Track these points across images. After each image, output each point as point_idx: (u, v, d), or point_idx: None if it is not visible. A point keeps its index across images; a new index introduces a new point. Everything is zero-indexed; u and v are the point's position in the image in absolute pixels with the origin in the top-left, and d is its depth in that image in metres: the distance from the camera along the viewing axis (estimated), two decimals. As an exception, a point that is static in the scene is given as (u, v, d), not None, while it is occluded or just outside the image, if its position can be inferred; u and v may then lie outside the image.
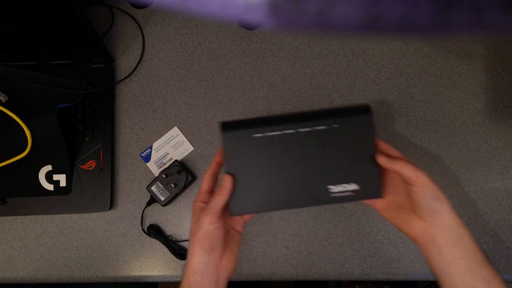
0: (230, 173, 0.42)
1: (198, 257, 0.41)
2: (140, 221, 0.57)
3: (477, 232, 0.56)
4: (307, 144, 0.42)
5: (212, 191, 0.45)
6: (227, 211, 0.43)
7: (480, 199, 0.57)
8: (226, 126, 0.43)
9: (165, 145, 0.59)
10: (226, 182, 0.42)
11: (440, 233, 0.39)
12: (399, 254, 0.56)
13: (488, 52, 0.61)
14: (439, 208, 0.40)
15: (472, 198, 0.57)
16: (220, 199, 0.41)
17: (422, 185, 0.39)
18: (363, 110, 0.42)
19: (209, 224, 0.41)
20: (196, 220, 0.42)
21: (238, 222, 0.46)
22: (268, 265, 0.56)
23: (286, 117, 0.43)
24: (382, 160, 0.41)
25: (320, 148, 0.42)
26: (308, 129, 0.42)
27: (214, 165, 0.45)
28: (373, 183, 0.42)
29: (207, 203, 0.43)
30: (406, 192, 0.42)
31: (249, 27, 0.62)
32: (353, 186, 0.42)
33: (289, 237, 0.56)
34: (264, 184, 0.42)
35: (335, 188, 0.42)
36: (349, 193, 0.42)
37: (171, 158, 0.58)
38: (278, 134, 0.42)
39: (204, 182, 0.45)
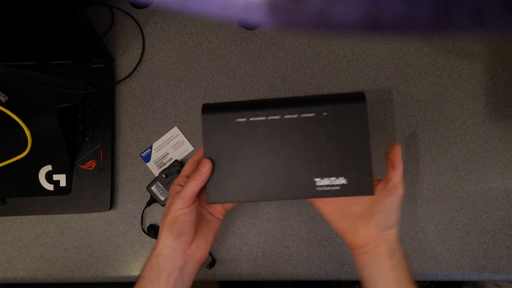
0: (209, 158, 0.40)
1: (165, 240, 0.41)
2: (140, 221, 0.57)
3: (477, 232, 0.56)
4: (294, 132, 0.39)
5: None
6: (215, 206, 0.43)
7: (480, 199, 0.57)
8: (208, 108, 0.40)
9: (165, 145, 0.59)
10: (204, 166, 0.40)
11: (382, 245, 0.40)
12: (399, 254, 0.56)
13: (488, 52, 0.61)
14: (395, 222, 0.41)
15: (472, 198, 0.57)
16: (193, 184, 0.39)
17: (399, 195, 0.40)
18: (357, 97, 0.39)
19: (179, 209, 0.40)
20: (169, 204, 0.41)
21: (218, 209, 0.45)
22: (268, 265, 0.56)
23: (272, 102, 0.41)
24: (396, 156, 0.40)
25: (307, 137, 0.39)
26: (295, 115, 0.39)
27: (201, 151, 0.43)
28: (364, 178, 0.39)
29: (183, 186, 0.41)
30: (366, 200, 0.41)
31: (249, 27, 0.62)
32: (341, 180, 0.39)
33: (289, 237, 0.56)
34: (246, 172, 0.40)
35: (321, 181, 0.39)
36: (335, 188, 0.39)
37: (171, 158, 0.58)
38: (262, 120, 0.39)
39: (186, 166, 0.44)
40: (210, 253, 0.56)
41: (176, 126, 0.59)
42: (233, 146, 0.40)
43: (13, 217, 0.57)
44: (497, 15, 0.10)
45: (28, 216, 0.57)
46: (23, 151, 0.54)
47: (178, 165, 0.56)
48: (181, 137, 0.59)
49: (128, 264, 0.56)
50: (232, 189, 0.40)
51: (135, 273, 0.56)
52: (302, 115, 0.39)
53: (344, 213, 0.43)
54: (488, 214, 0.57)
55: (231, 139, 0.40)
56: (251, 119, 0.39)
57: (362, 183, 0.39)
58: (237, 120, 0.39)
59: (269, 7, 0.11)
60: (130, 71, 0.60)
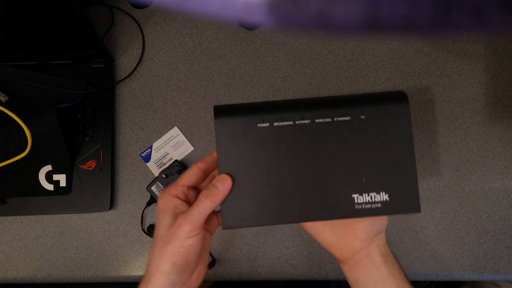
0: (228, 174, 0.33)
1: (166, 275, 0.32)
2: (140, 221, 0.57)
3: (477, 232, 0.56)
4: (327, 139, 0.33)
5: (195, 188, 0.36)
6: (209, 220, 0.35)
7: (480, 199, 0.57)
8: (221, 111, 0.34)
9: (165, 145, 0.59)
10: (223, 184, 0.33)
11: (374, 250, 0.37)
12: (399, 254, 0.56)
13: (488, 52, 0.61)
14: (383, 227, 0.37)
15: (472, 198, 0.57)
16: (207, 205, 0.32)
17: None
18: (398, 97, 0.34)
19: (188, 237, 0.32)
20: (169, 225, 0.33)
21: (213, 223, 0.37)
22: (268, 265, 0.56)
23: (299, 103, 0.34)
24: None
25: (342, 145, 0.33)
26: (328, 119, 0.33)
27: (210, 159, 0.36)
28: (409, 193, 0.33)
29: (183, 200, 0.34)
30: None
31: (249, 27, 0.62)
32: (382, 196, 0.33)
33: (289, 237, 0.56)
34: (269, 188, 0.33)
35: (360, 198, 0.33)
36: (376, 205, 0.33)
37: (171, 158, 0.58)
38: (289, 125, 0.33)
39: (188, 174, 0.35)
40: (210, 253, 0.56)
41: (176, 126, 0.59)
42: (254, 156, 0.33)
43: (13, 217, 0.57)
44: (497, 15, 0.10)
45: (28, 216, 0.57)
46: (23, 151, 0.54)
47: (178, 165, 0.56)
48: (181, 137, 0.59)
49: (128, 264, 0.56)
50: (254, 210, 0.33)
51: (135, 273, 0.56)
52: (337, 119, 0.33)
53: (327, 223, 0.38)
54: (488, 214, 0.57)
55: (252, 149, 0.33)
56: (276, 124, 0.33)
57: (407, 199, 0.33)
58: (259, 125, 0.33)
59: (269, 7, 0.11)
60: (130, 71, 0.60)
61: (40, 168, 0.55)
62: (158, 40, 0.62)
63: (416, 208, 0.33)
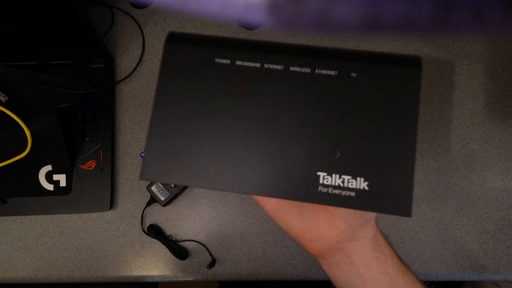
0: (161, 107, 0.27)
1: None
2: (140, 221, 0.57)
3: (477, 232, 0.56)
4: (300, 93, 0.26)
5: None
6: None
7: (480, 199, 0.57)
8: (176, 38, 0.27)
9: (165, 145, 0.59)
10: None
11: (360, 247, 0.30)
12: (399, 254, 0.56)
13: (488, 52, 0.61)
14: (371, 215, 0.29)
15: (472, 198, 0.57)
16: None
17: None
18: (407, 61, 0.26)
19: None
20: None
21: None
22: (268, 265, 0.56)
23: (276, 45, 0.27)
24: None
25: (319, 106, 0.26)
26: (306, 69, 0.26)
27: None
28: (399, 188, 0.24)
29: None
30: None
31: (249, 27, 0.62)
32: (359, 183, 0.25)
33: (289, 237, 0.56)
34: (213, 141, 0.26)
35: (327, 179, 0.25)
36: (348, 193, 0.25)
37: (171, 158, 0.58)
38: (255, 67, 0.26)
39: None
40: (210, 253, 0.56)
41: (176, 126, 0.59)
42: (202, 97, 0.27)
43: (13, 217, 0.57)
44: (497, 15, 0.10)
45: (28, 216, 0.57)
46: (23, 151, 0.54)
47: (178, 165, 0.56)
48: (181, 137, 0.59)
49: (128, 264, 0.56)
50: (188, 163, 0.26)
51: (135, 273, 0.56)
52: (318, 71, 0.26)
53: (293, 204, 0.30)
54: (488, 214, 0.57)
55: (201, 88, 0.27)
56: (238, 63, 0.27)
57: (394, 195, 0.24)
58: (217, 60, 0.27)
59: (269, 7, 0.11)
60: (130, 71, 0.60)
61: (40, 168, 0.55)
62: (158, 40, 0.62)
63: (406, 211, 0.24)
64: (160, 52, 0.61)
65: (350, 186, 0.25)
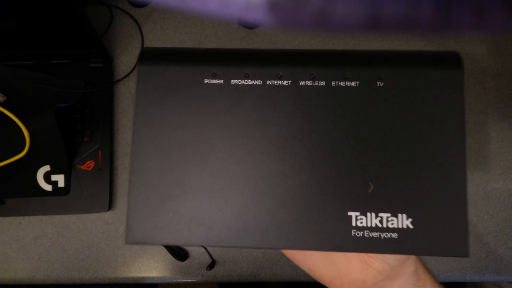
0: (142, 149, 0.21)
1: None
2: (139, 222, 0.56)
3: (478, 233, 0.56)
4: (315, 114, 0.21)
5: None
6: None
7: (482, 199, 0.57)
8: (151, 55, 0.22)
9: (164, 145, 0.58)
10: None
11: (398, 286, 0.25)
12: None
13: (490, 51, 0.61)
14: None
15: (474, 199, 0.57)
16: None
17: None
18: (445, 60, 0.21)
19: None
20: None
21: None
22: (268, 266, 0.55)
23: (277, 54, 0.22)
24: None
25: (340, 127, 0.21)
26: (320, 82, 0.21)
27: None
28: (450, 222, 0.20)
29: None
30: None
31: (249, 26, 0.62)
32: (401, 222, 0.20)
33: (289, 238, 0.56)
34: (211, 187, 0.21)
35: (362, 220, 0.20)
36: (389, 235, 0.20)
37: (171, 159, 0.58)
38: (255, 86, 0.21)
39: None
40: (209, 254, 0.55)
41: (175, 126, 0.59)
42: (193, 130, 0.21)
43: (11, 217, 0.57)
44: (499, 14, 0.10)
45: (26, 217, 0.57)
46: (21, 151, 0.54)
47: (178, 165, 0.56)
48: (181, 137, 0.58)
49: (127, 265, 0.56)
50: (181, 219, 0.21)
51: (134, 274, 0.56)
52: (335, 83, 0.21)
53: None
54: (490, 215, 0.56)
55: (190, 118, 0.21)
56: (234, 82, 0.21)
57: (445, 233, 0.20)
58: (206, 81, 0.21)
59: (269, 5, 0.11)
60: (129, 71, 0.60)
61: (39, 169, 0.55)
62: (157, 39, 0.61)
63: (462, 250, 0.20)
64: (159, 51, 0.61)
65: (390, 226, 0.20)
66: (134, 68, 0.60)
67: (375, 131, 0.20)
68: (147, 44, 0.61)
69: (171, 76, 0.21)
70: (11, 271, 0.56)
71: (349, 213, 0.20)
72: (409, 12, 0.10)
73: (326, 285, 0.27)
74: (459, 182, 0.20)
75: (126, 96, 0.60)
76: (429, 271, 0.27)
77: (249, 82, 0.21)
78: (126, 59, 0.61)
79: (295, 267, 0.55)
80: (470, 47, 0.61)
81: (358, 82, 0.21)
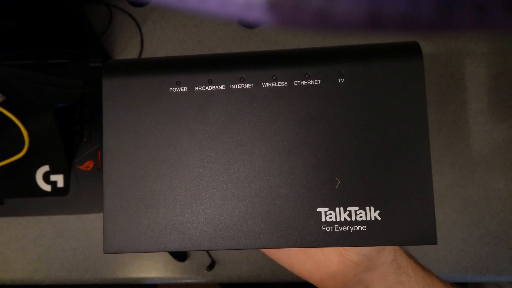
0: (112, 158, 0.22)
1: None
2: (138, 222, 0.56)
3: (480, 233, 0.56)
4: (279, 114, 0.21)
5: None
6: None
7: (483, 200, 0.56)
8: (115, 68, 0.22)
9: (164, 145, 0.58)
10: None
11: (378, 275, 0.26)
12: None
13: (491, 51, 0.60)
14: None
15: (474, 199, 0.56)
16: None
17: None
18: (403, 50, 0.22)
19: None
20: None
21: None
22: (268, 267, 0.55)
23: (238, 57, 0.22)
24: None
25: (305, 125, 0.21)
26: (283, 83, 0.21)
27: None
28: (418, 211, 0.20)
29: None
30: None
31: (249, 26, 0.61)
32: (369, 214, 0.20)
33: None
34: (181, 193, 0.21)
35: (332, 215, 0.21)
36: (357, 228, 0.21)
37: (170, 159, 0.57)
38: (219, 91, 0.21)
39: None
40: (209, 255, 0.55)
41: (175, 126, 0.59)
42: (161, 137, 0.22)
43: (10, 218, 0.57)
44: (500, 14, 0.10)
45: (26, 217, 0.57)
46: (20, 151, 0.53)
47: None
48: (180, 137, 0.58)
49: (126, 265, 0.56)
50: (154, 226, 0.21)
51: (133, 274, 0.55)
52: (297, 83, 0.21)
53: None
54: (491, 215, 0.56)
55: (156, 128, 0.22)
56: (198, 88, 0.22)
57: (413, 222, 0.20)
58: (171, 90, 0.22)
59: (269, 5, 0.11)
60: (129, 70, 0.60)
61: (38, 169, 0.55)
62: (156, 38, 0.61)
63: (430, 238, 0.20)
64: (159, 51, 0.61)
65: (359, 219, 0.20)
66: (133, 67, 0.60)
67: (338, 128, 0.21)
68: (147, 43, 0.61)
69: (137, 87, 0.22)
70: (10, 271, 0.56)
71: (318, 209, 0.21)
72: (409, 11, 0.10)
73: (307, 280, 0.27)
74: (424, 171, 0.20)
75: (125, 96, 0.59)
76: (410, 256, 0.28)
77: (213, 87, 0.22)
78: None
79: (295, 268, 0.55)
80: (470, 46, 0.60)
81: (319, 80, 0.21)
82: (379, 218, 0.20)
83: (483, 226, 0.56)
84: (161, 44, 0.61)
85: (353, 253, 0.25)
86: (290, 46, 0.61)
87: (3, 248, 0.56)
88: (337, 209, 0.21)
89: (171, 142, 0.22)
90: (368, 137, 0.21)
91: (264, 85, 0.21)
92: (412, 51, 0.22)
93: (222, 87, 0.21)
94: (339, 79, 0.21)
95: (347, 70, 0.21)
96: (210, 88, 0.22)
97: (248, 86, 0.21)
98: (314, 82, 0.21)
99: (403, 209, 0.20)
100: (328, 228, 0.21)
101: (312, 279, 0.27)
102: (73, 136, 0.57)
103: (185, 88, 0.22)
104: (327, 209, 0.21)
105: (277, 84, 0.21)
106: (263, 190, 0.21)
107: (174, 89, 0.22)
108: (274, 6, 0.11)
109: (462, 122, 0.58)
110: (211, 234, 0.21)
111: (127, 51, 0.61)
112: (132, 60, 0.23)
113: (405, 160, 0.21)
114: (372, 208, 0.20)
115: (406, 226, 0.20)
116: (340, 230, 0.21)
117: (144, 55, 0.60)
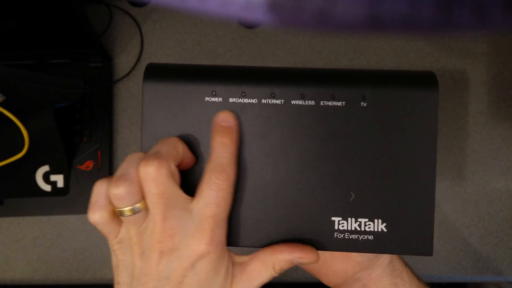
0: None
1: None
2: (138, 222, 0.56)
3: (480, 233, 0.56)
4: (304, 130, 0.23)
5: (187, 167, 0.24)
6: None
7: (483, 200, 0.56)
8: (156, 71, 0.24)
9: (164, 145, 0.58)
10: (228, 121, 0.23)
11: (376, 276, 0.29)
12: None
13: (491, 51, 0.60)
14: None
15: (475, 199, 0.56)
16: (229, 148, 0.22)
17: None
18: (421, 80, 0.24)
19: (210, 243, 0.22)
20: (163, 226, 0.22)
21: None
22: (268, 267, 0.55)
23: (271, 73, 0.24)
24: None
25: (327, 143, 0.23)
26: (310, 102, 0.23)
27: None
28: (418, 227, 0.23)
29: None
30: None
31: (249, 26, 0.61)
32: (377, 226, 0.23)
33: (289, 238, 0.56)
34: None
35: (344, 224, 0.24)
36: (365, 237, 0.23)
37: (170, 159, 0.57)
38: (251, 104, 0.23)
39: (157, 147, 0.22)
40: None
41: (175, 126, 0.59)
42: (194, 143, 0.24)
43: (10, 218, 0.57)
44: (500, 14, 0.10)
45: (26, 217, 0.57)
46: (20, 151, 0.53)
47: (177, 165, 0.56)
48: (180, 137, 0.58)
49: (126, 265, 0.56)
50: None
51: (134, 274, 0.55)
52: (324, 103, 0.23)
53: None
54: (491, 215, 0.56)
55: (193, 131, 0.23)
56: (232, 100, 0.23)
57: (414, 235, 0.23)
58: (207, 99, 0.23)
59: (269, 5, 0.11)
60: (129, 70, 0.60)
61: (38, 169, 0.55)
62: (156, 38, 0.61)
63: (427, 250, 0.23)
64: (158, 51, 0.61)
65: (367, 229, 0.23)
66: (133, 68, 0.60)
67: (357, 147, 0.23)
68: (147, 43, 0.61)
69: (175, 93, 0.23)
70: (10, 271, 0.56)
71: (333, 218, 0.24)
72: (409, 12, 0.10)
73: (313, 274, 0.31)
74: (428, 193, 0.23)
75: (125, 96, 0.59)
76: (405, 264, 0.31)
77: (246, 100, 0.23)
78: (125, 59, 0.61)
79: (295, 268, 0.55)
80: (470, 46, 0.60)
81: (344, 102, 0.23)
82: (385, 230, 0.23)
83: (483, 226, 0.56)
84: (161, 44, 0.61)
85: (356, 254, 0.29)
86: (290, 46, 0.61)
87: (3, 248, 0.56)
88: (349, 219, 0.24)
89: (204, 148, 0.24)
90: (382, 158, 0.24)
91: (293, 102, 0.23)
92: (430, 82, 0.24)
93: (254, 101, 0.23)
94: (361, 103, 0.23)
95: (369, 95, 0.23)
96: (243, 100, 0.23)
97: (278, 102, 0.23)
98: (339, 104, 0.23)
99: (407, 224, 0.23)
100: (339, 235, 0.24)
101: (318, 274, 0.31)
102: (73, 136, 0.57)
103: (220, 99, 0.23)
104: (340, 218, 0.24)
105: (305, 102, 0.23)
106: (285, 197, 0.24)
107: (210, 99, 0.23)
108: (274, 6, 0.11)
109: (462, 122, 0.58)
110: (233, 232, 0.25)
111: (127, 51, 0.61)
112: (172, 65, 0.25)
113: (412, 182, 0.23)
114: (380, 221, 0.24)
115: (408, 238, 0.23)
116: (350, 237, 0.24)
117: (144, 55, 0.61)
